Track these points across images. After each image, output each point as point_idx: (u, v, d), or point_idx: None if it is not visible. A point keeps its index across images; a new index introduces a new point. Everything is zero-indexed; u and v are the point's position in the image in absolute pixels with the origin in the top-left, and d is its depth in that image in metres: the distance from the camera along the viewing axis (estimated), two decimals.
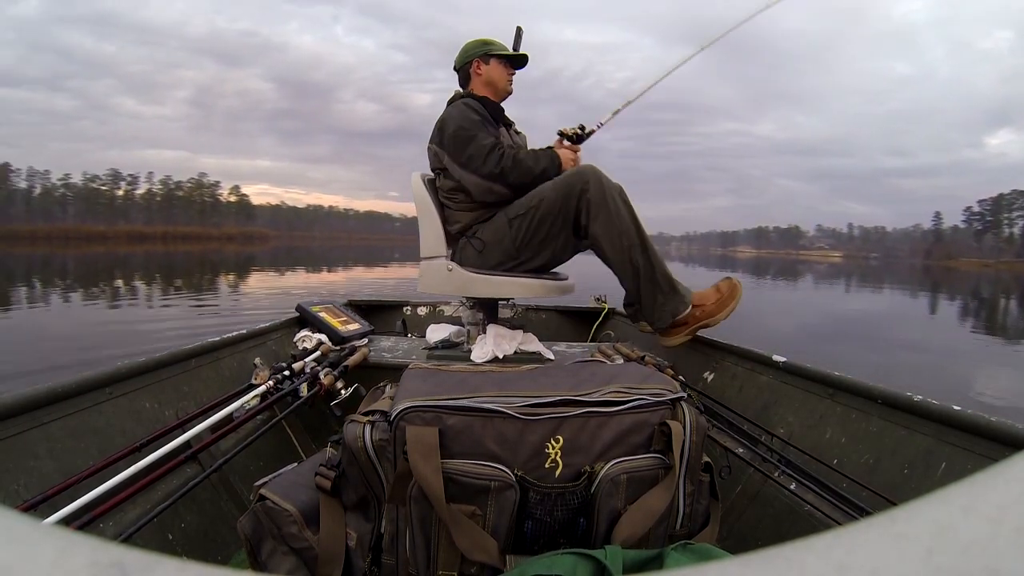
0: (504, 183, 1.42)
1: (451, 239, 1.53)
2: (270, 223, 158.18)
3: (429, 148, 1.53)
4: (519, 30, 1.63)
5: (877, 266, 55.08)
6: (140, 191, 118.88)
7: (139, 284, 9.93)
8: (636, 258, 1.35)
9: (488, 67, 1.55)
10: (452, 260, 1.50)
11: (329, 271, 14.75)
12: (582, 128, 1.53)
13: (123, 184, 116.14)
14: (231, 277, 12.03)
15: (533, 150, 1.48)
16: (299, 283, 10.43)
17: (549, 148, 1.49)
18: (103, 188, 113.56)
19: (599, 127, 1.55)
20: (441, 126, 1.48)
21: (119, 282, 10.20)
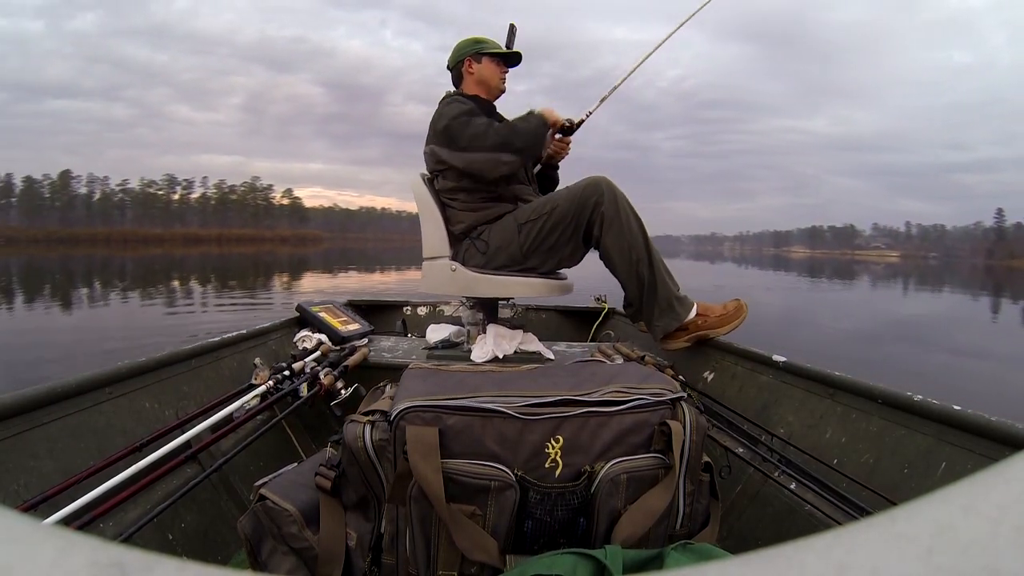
0: (511, 149, 1.40)
1: (453, 239, 1.53)
2: (323, 225, 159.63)
3: (426, 151, 1.53)
4: (512, 27, 1.62)
5: (936, 266, 53.28)
6: (195, 195, 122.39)
7: (195, 285, 10.26)
8: (643, 272, 1.38)
9: (480, 66, 1.56)
10: (455, 260, 1.50)
11: (382, 272, 14.85)
12: (570, 121, 1.54)
13: (178, 188, 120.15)
14: (285, 278, 12.27)
15: (516, 117, 1.49)
16: (352, 284, 10.58)
17: (529, 111, 1.49)
18: (159, 192, 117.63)
19: (588, 116, 1.56)
20: (434, 124, 1.49)
21: (175, 283, 10.60)
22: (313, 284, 10.68)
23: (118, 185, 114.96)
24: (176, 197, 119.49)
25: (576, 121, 1.54)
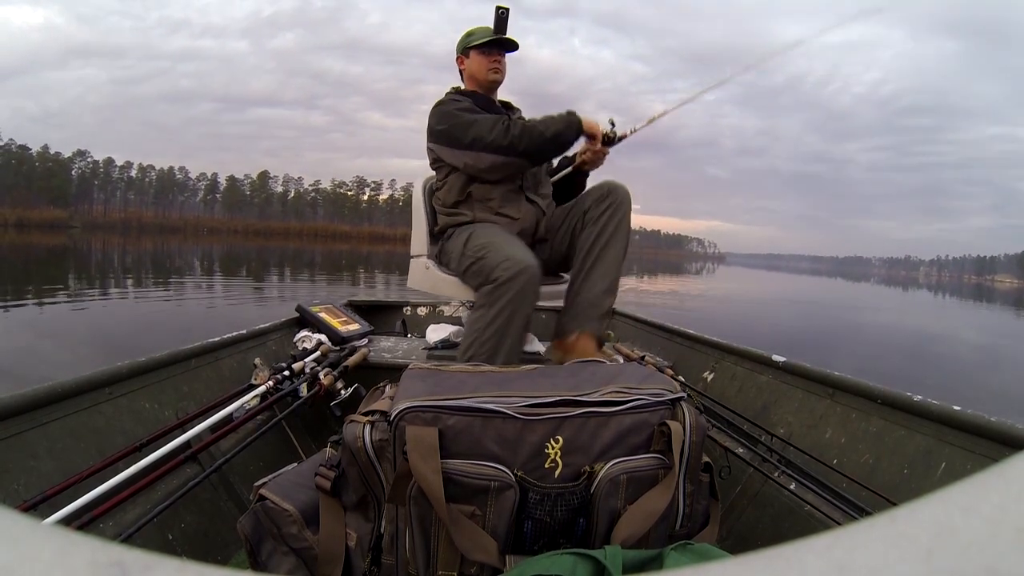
0: (515, 153, 1.30)
1: (433, 239, 1.53)
2: None
3: (428, 149, 1.49)
4: (498, 11, 1.44)
5: None
6: (383, 196, 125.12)
7: (379, 275, 11.09)
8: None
9: (468, 60, 1.51)
10: (430, 259, 1.50)
11: None
12: (613, 133, 1.41)
13: (367, 190, 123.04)
14: None
15: (547, 116, 1.35)
16: None
17: (570, 112, 1.35)
18: (349, 193, 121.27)
19: (631, 132, 1.44)
20: (431, 123, 1.44)
21: (362, 272, 11.60)
22: None
23: (311, 185, 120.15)
24: (365, 198, 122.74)
25: (618, 135, 1.42)
